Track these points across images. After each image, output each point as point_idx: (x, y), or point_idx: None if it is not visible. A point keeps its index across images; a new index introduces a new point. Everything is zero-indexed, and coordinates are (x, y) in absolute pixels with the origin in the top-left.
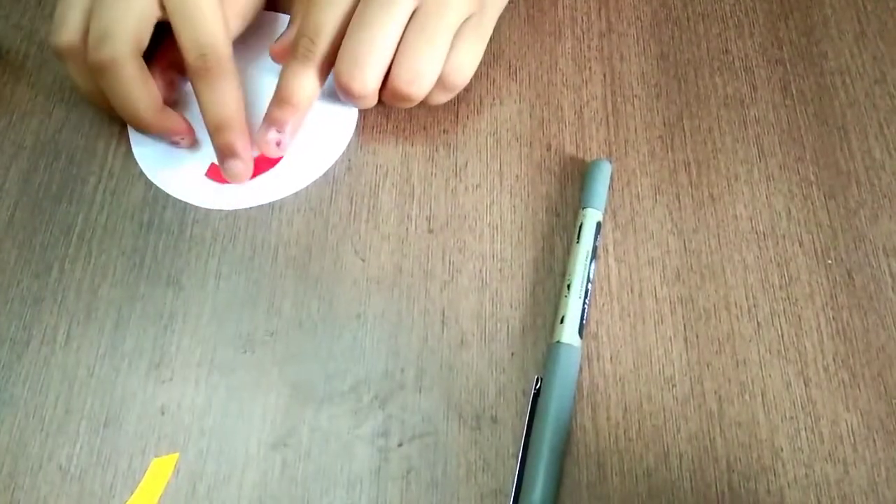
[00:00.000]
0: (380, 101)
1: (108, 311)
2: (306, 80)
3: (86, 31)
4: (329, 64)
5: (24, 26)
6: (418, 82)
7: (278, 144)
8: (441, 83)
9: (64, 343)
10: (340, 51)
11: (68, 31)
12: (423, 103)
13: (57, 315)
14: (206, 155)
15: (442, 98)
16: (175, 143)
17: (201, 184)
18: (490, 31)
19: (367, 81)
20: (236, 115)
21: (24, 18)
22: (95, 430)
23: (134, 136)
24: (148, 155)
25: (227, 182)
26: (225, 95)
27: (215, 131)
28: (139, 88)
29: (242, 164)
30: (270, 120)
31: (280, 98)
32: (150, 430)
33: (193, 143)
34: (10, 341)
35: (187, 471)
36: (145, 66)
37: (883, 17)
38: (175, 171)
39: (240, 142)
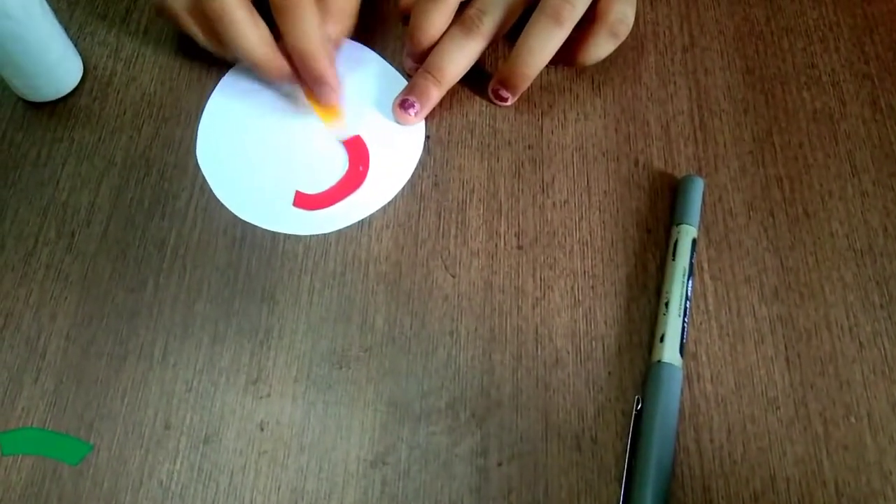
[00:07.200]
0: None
1: (205, 326)
2: (461, 54)
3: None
4: (485, 43)
5: (109, 43)
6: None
7: (416, 114)
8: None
9: (161, 358)
10: (513, 57)
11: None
12: (585, 59)
13: (153, 330)
14: (291, 183)
15: (610, 47)
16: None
17: (290, 213)
18: None
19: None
20: (319, 46)
21: (109, 35)
22: (195, 446)
23: (213, 179)
24: (231, 193)
25: (315, 209)
26: (306, 29)
27: (301, 62)
28: (250, 30)
29: (331, 89)
30: (411, 89)
31: (432, 66)
32: (249, 445)
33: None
34: (108, 356)
35: (288, 488)
36: (254, 10)
37: None
38: (261, 204)
39: (325, 69)
